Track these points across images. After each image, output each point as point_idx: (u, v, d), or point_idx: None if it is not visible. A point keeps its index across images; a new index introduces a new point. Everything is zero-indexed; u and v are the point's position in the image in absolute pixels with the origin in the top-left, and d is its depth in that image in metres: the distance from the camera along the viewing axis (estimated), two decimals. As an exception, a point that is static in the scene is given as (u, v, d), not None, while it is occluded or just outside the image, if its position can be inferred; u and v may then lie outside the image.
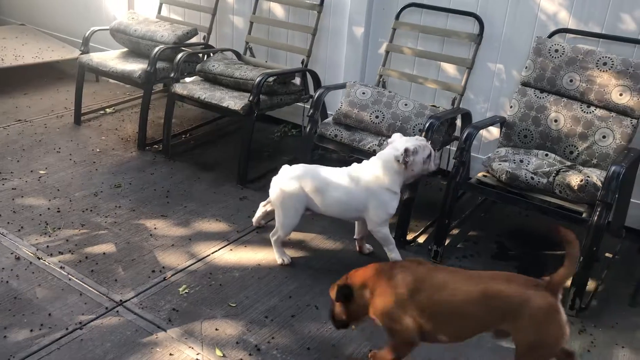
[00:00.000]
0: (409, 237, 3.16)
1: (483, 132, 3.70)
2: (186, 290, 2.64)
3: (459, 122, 3.47)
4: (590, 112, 2.99)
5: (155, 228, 3.10)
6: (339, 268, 2.85)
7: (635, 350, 2.48)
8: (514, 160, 2.92)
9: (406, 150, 2.68)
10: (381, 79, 3.76)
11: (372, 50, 3.97)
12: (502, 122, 3.19)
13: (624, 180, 2.96)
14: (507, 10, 3.41)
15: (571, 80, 3.03)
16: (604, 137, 2.94)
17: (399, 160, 2.70)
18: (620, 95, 2.90)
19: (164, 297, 2.58)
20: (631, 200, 3.15)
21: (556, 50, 3.07)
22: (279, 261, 2.90)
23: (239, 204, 3.41)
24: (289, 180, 2.80)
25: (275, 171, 2.90)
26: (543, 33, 3.29)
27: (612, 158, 2.87)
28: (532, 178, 2.77)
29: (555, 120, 3.06)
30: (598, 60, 2.97)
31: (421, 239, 3.20)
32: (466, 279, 2.03)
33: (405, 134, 3.16)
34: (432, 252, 3.01)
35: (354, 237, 3.03)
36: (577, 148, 3.00)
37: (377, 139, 3.19)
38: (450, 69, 3.70)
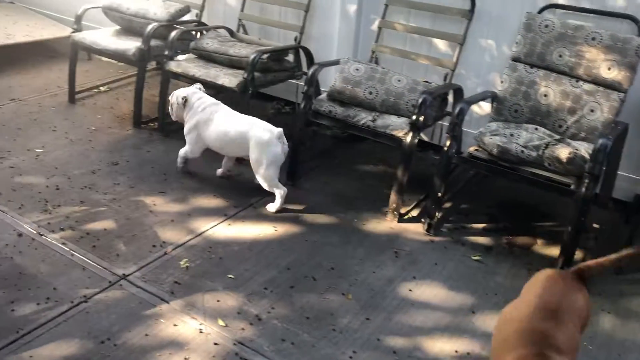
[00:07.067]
0: (403, 210, 3.24)
1: (474, 107, 3.76)
2: (187, 264, 2.71)
3: (450, 97, 3.53)
4: (578, 87, 3.06)
5: (154, 204, 3.16)
6: (335, 241, 2.94)
7: (619, 315, 2.59)
8: (505, 134, 2.99)
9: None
10: (374, 55, 3.81)
11: (365, 26, 4.00)
12: (493, 97, 3.26)
13: (611, 153, 3.05)
14: (498, -14, 3.45)
15: (560, 56, 3.09)
16: (592, 110, 3.01)
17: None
18: (609, 69, 2.97)
19: (165, 271, 2.65)
20: (618, 172, 3.24)
21: (546, 26, 3.12)
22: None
23: (235, 181, 3.47)
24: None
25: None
26: (533, 9, 3.33)
27: (599, 131, 2.94)
28: (523, 151, 2.84)
29: (545, 95, 3.12)
30: (587, 36, 3.03)
31: (415, 212, 3.28)
32: None
33: (399, 110, 3.23)
34: (426, 225, 3.09)
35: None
36: (566, 122, 3.07)
37: (370, 115, 3.24)
38: (441, 45, 3.74)
